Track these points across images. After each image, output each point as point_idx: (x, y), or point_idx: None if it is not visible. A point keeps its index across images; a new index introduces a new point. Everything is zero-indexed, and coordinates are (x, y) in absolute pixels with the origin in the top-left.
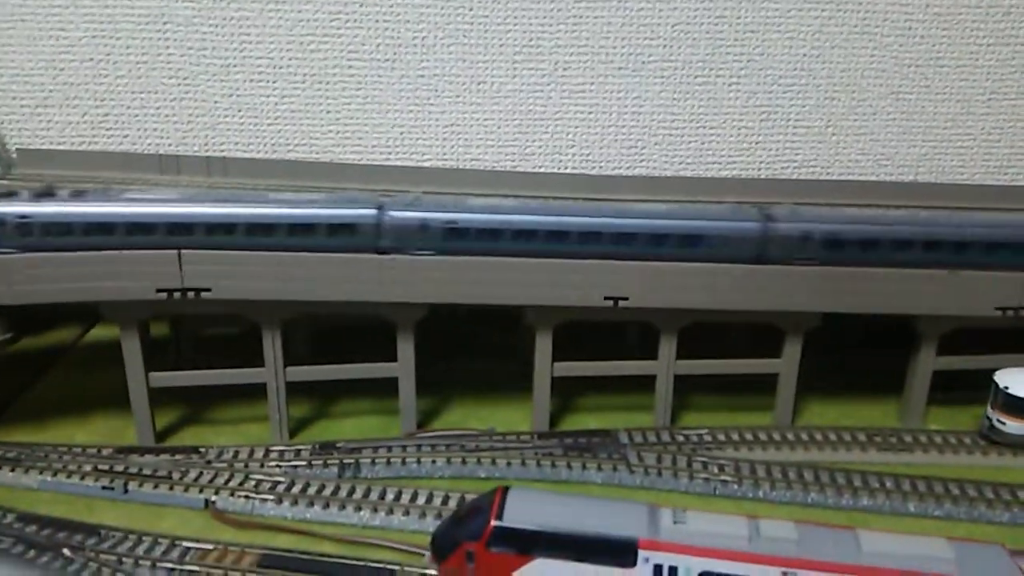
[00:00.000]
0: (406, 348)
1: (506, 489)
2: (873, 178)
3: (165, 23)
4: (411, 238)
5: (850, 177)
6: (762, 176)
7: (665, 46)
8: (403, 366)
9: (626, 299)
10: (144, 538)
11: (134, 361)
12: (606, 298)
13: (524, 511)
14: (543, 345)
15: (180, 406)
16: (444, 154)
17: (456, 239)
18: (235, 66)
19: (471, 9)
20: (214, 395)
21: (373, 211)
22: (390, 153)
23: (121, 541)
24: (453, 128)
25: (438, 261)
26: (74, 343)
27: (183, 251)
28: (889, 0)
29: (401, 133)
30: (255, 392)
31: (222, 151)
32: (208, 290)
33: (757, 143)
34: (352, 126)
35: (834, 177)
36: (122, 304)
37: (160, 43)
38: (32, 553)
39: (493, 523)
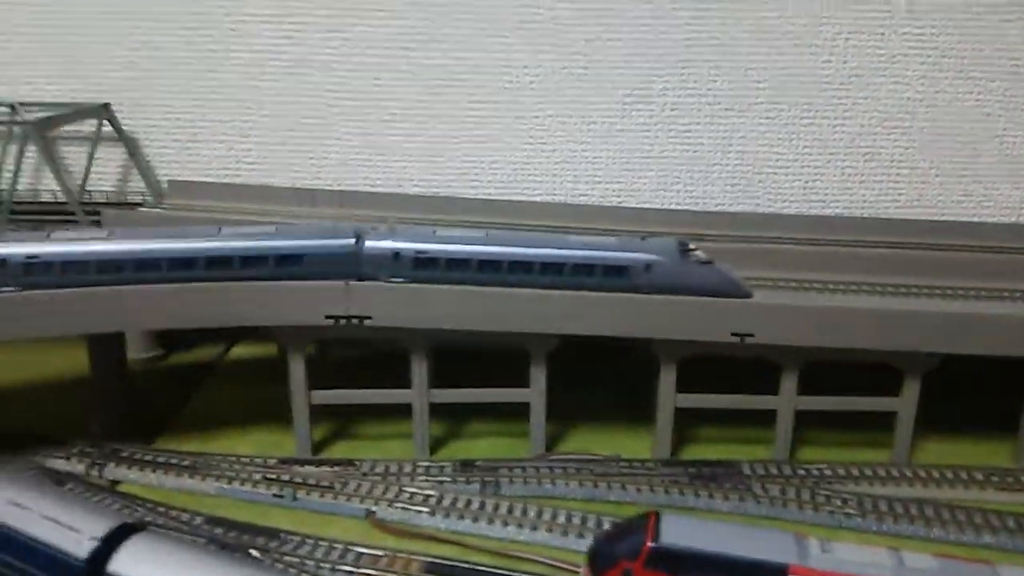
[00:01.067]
0: (539, 376)
1: (658, 513)
2: (975, 219)
3: (307, 67)
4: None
5: (951, 217)
6: (864, 215)
7: (772, 88)
8: (535, 393)
9: (752, 335)
10: (320, 543)
11: (299, 380)
12: (733, 334)
13: (679, 534)
14: (667, 377)
15: (328, 421)
16: (553, 190)
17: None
18: (368, 107)
19: (586, 55)
20: (356, 412)
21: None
22: (504, 188)
23: (299, 545)
24: (563, 165)
25: (574, 296)
26: (218, 361)
27: (350, 282)
28: (995, 45)
29: (514, 170)
30: (391, 410)
31: (352, 186)
32: (369, 318)
33: (860, 182)
34: (469, 163)
35: (936, 217)
36: (295, 329)
37: (301, 85)
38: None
39: (650, 544)
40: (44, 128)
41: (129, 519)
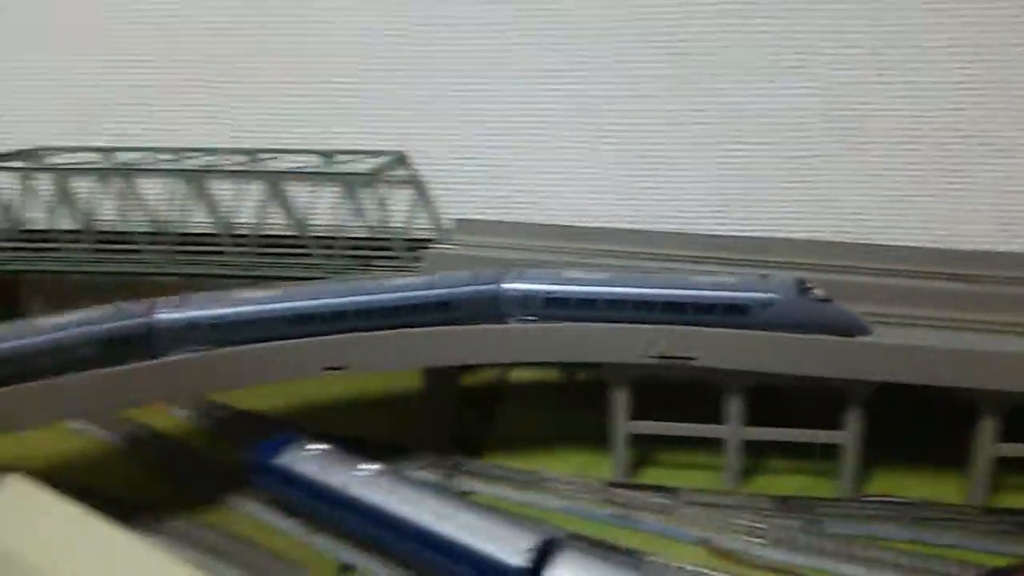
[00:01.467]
0: (856, 419)
1: None
2: None
3: (583, 113)
4: None
5: None
6: None
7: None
8: (851, 435)
9: None
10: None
11: (620, 411)
12: None
13: None
14: (987, 427)
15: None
16: (816, 226)
17: None
18: (637, 149)
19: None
20: (659, 439)
21: None
22: (767, 226)
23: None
24: (831, 202)
25: (894, 346)
26: (502, 382)
27: (678, 327)
28: None
29: (784, 206)
30: (692, 440)
31: (609, 223)
32: (694, 358)
33: None
34: (734, 200)
35: None
36: (622, 366)
37: (564, 134)
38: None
39: None
40: (370, 179)
41: (553, 533)
